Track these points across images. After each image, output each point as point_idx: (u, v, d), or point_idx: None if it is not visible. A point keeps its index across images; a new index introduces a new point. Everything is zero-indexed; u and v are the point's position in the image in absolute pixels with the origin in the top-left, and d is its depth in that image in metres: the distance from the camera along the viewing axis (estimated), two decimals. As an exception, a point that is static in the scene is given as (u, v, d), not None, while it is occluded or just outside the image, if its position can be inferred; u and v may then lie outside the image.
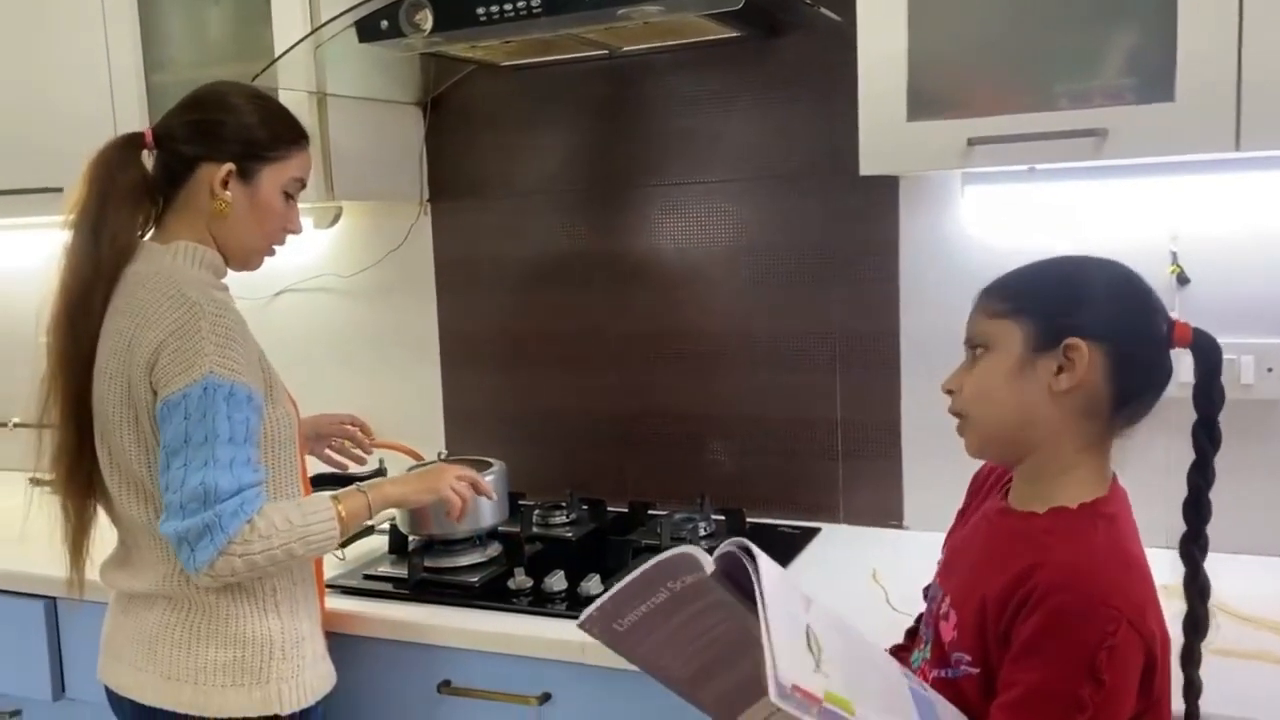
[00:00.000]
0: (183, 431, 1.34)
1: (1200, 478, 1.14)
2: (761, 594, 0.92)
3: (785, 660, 0.89)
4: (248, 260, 1.55)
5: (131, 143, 1.49)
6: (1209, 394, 1.13)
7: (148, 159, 1.50)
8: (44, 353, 1.49)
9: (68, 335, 1.46)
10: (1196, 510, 1.14)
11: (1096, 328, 1.08)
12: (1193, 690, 1.16)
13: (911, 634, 1.34)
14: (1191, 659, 1.16)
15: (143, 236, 1.50)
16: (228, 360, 1.37)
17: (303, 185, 1.55)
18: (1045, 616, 1.01)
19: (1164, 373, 1.11)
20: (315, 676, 1.52)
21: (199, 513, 1.33)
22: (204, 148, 1.46)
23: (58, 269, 1.47)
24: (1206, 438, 1.13)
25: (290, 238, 1.58)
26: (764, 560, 0.95)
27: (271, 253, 1.57)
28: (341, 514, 1.46)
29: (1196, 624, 1.14)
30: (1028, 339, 1.10)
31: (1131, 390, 1.10)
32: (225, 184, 1.46)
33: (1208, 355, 1.12)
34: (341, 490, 1.52)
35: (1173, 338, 1.10)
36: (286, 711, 1.46)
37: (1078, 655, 0.99)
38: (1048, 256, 1.16)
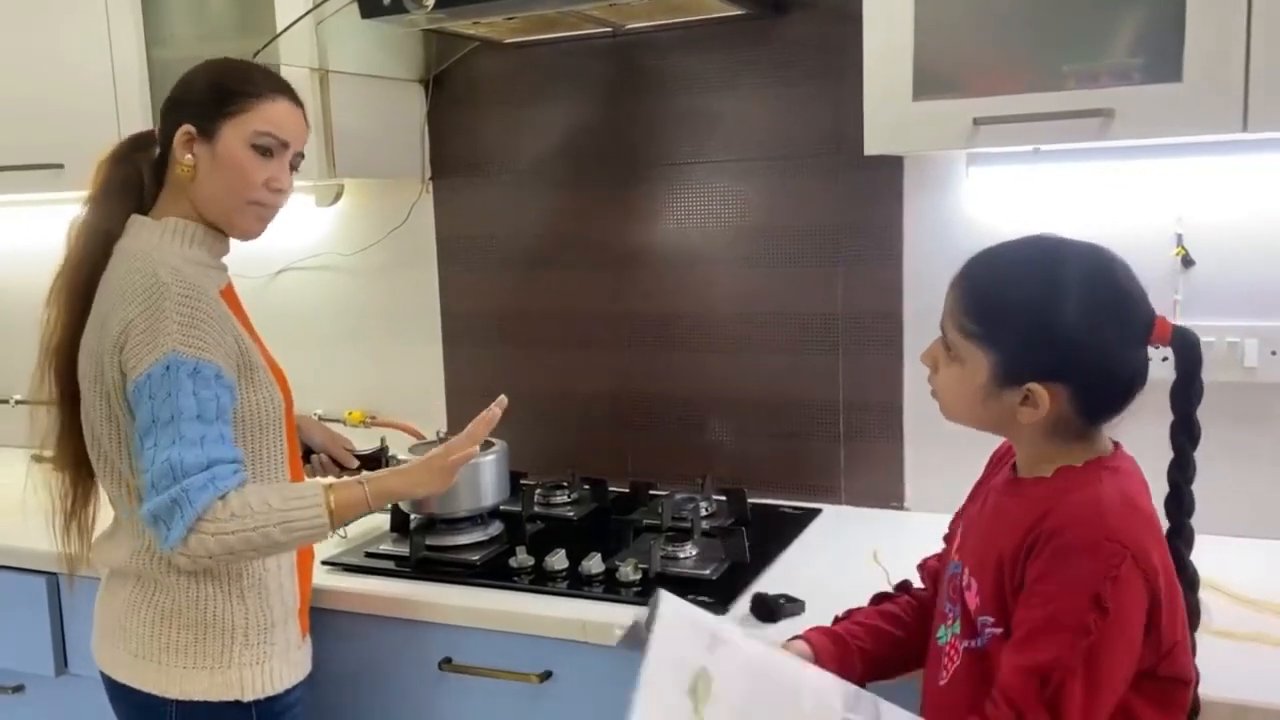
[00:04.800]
0: (149, 412, 1.33)
1: (1180, 475, 1.15)
2: (646, 646, 0.96)
3: (648, 712, 0.93)
4: (232, 222, 1.48)
5: (137, 141, 1.51)
6: (1187, 393, 1.12)
7: (153, 151, 1.50)
8: (43, 327, 1.49)
9: (63, 310, 1.47)
10: (1178, 505, 1.15)
11: (1062, 368, 1.07)
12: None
13: (881, 598, 1.36)
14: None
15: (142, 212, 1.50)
16: (192, 339, 1.35)
17: (275, 139, 1.46)
18: (1052, 553, 1.04)
19: (1138, 379, 1.10)
20: (285, 665, 1.51)
21: (168, 489, 1.31)
22: (170, 121, 1.46)
23: (65, 245, 1.47)
24: (1185, 435, 1.14)
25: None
26: (668, 604, 0.98)
27: (260, 214, 1.49)
28: (331, 504, 1.39)
29: (1189, 615, 1.14)
30: (993, 372, 1.10)
31: (1100, 410, 1.11)
32: (189, 148, 1.44)
33: (1187, 354, 1.11)
34: (339, 480, 1.49)
35: (1151, 335, 1.09)
36: (249, 698, 1.46)
37: (1082, 586, 1.01)
38: (1025, 250, 1.13)
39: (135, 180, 1.49)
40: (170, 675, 1.44)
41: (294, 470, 1.56)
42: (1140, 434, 1.15)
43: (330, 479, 1.48)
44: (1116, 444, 1.15)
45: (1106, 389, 1.09)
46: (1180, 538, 1.15)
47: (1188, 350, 1.11)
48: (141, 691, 1.46)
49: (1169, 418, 1.15)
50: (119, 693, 1.49)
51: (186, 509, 1.30)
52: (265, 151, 1.45)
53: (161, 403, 1.33)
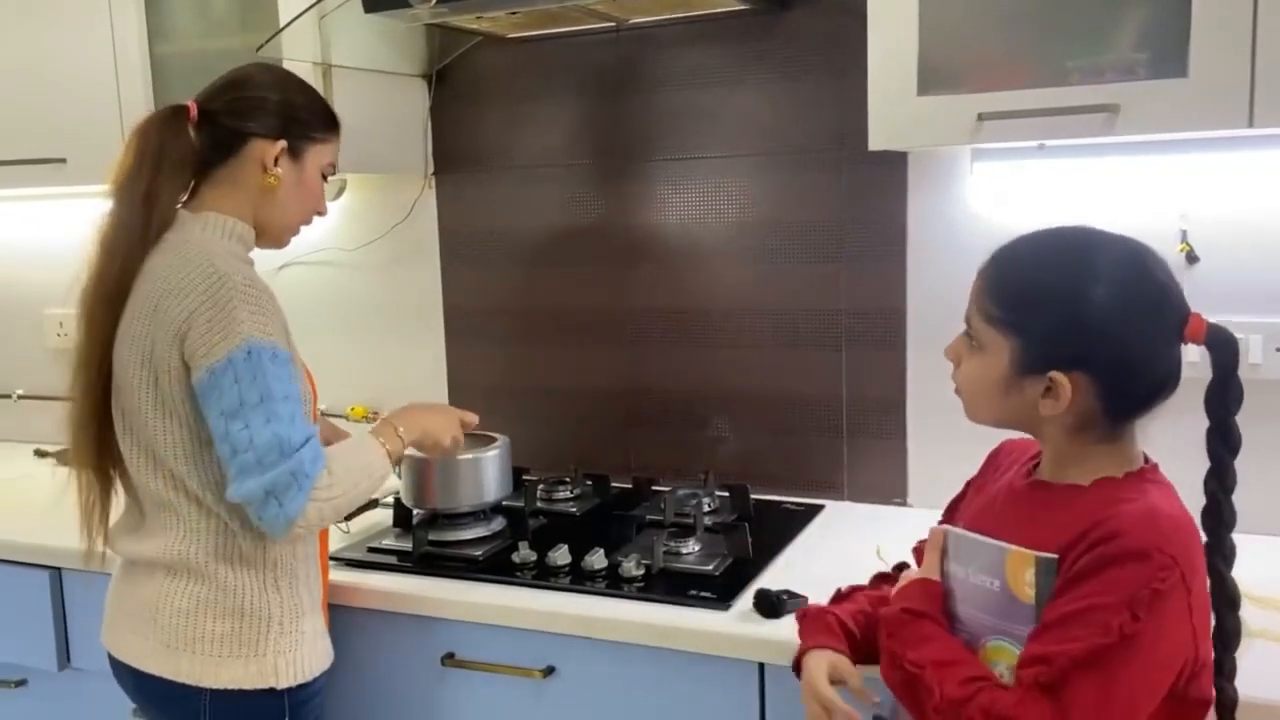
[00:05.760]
0: (236, 395, 1.36)
1: (1218, 485, 1.08)
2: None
3: None
4: (282, 237, 1.58)
5: (177, 114, 1.50)
6: (1223, 397, 1.06)
7: (191, 132, 1.50)
8: (75, 322, 1.49)
9: (103, 302, 1.46)
10: (1217, 518, 1.08)
11: (1087, 359, 1.04)
12: (1225, 704, 1.10)
13: (880, 579, 1.36)
14: (1223, 672, 1.10)
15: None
16: (263, 326, 1.39)
17: (334, 171, 1.60)
18: (1102, 552, 0.99)
19: (1169, 378, 1.06)
20: (313, 653, 1.52)
21: (279, 464, 1.35)
22: (256, 124, 1.49)
23: (98, 238, 1.46)
24: (1222, 443, 1.08)
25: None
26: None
27: (298, 232, 1.61)
28: (391, 454, 1.51)
29: (1226, 637, 1.10)
30: (1015, 359, 1.07)
31: (1128, 408, 1.07)
32: (277, 160, 1.50)
33: (1223, 354, 1.06)
34: (375, 428, 1.55)
35: (1184, 334, 1.05)
36: (283, 685, 1.47)
37: (1122, 590, 0.97)
38: (1058, 238, 1.10)
39: (190, 158, 1.49)
40: (205, 665, 1.45)
41: None
42: (1173, 438, 1.11)
43: (369, 430, 1.55)
44: (1149, 460, 1.11)
45: (1133, 384, 1.05)
46: (1219, 554, 1.08)
47: (1223, 349, 1.05)
48: (174, 682, 1.46)
49: (1201, 421, 1.10)
50: (147, 684, 1.49)
51: (304, 481, 1.36)
52: (325, 180, 1.59)
53: (249, 385, 1.36)
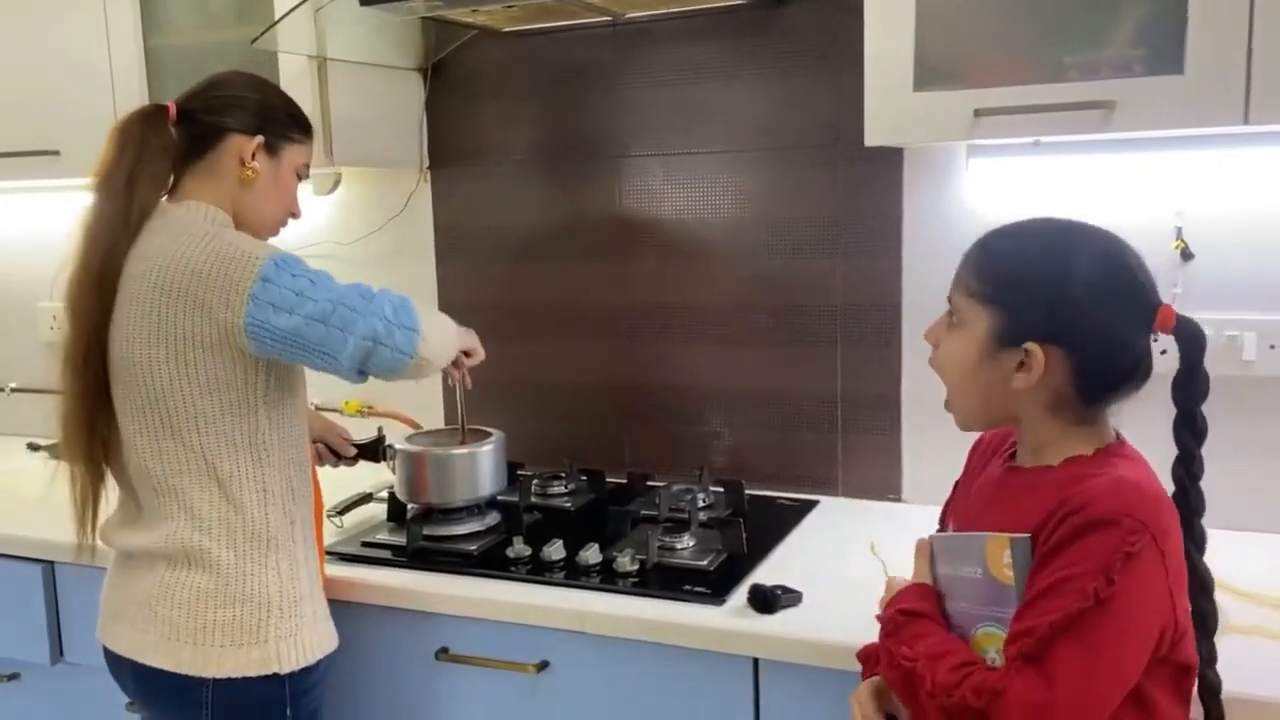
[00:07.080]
0: (291, 292, 1.40)
1: (1185, 473, 1.12)
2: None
3: None
4: (259, 234, 1.59)
5: (157, 112, 1.52)
6: (1188, 387, 1.10)
7: (171, 129, 1.52)
8: (74, 316, 1.48)
9: (90, 293, 1.46)
10: (1186, 505, 1.11)
11: (1062, 333, 1.06)
12: (1207, 686, 1.13)
13: None
14: (1203, 658, 1.12)
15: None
16: (268, 248, 1.44)
17: (309, 172, 1.64)
18: (1071, 528, 1.01)
19: (1139, 365, 1.09)
20: (315, 636, 1.53)
21: (372, 299, 1.45)
22: (234, 120, 1.53)
23: (81, 229, 1.47)
24: (1189, 432, 1.11)
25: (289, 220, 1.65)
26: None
27: (276, 232, 1.62)
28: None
29: (1204, 620, 1.12)
30: (992, 331, 1.10)
31: (1100, 390, 1.10)
32: (254, 155, 1.52)
33: (1191, 345, 1.09)
34: None
35: (1155, 322, 1.08)
36: (286, 670, 1.47)
37: (1095, 557, 0.99)
38: (1041, 224, 1.14)
39: (170, 150, 1.51)
40: (207, 655, 1.45)
41: (307, 444, 1.61)
42: (1150, 434, 1.13)
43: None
44: (1119, 436, 1.14)
45: (1104, 364, 1.08)
46: (1190, 539, 1.10)
47: (1192, 341, 1.09)
48: (175, 674, 1.46)
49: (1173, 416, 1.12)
50: (147, 676, 1.49)
51: (401, 300, 1.48)
52: (299, 180, 1.63)
53: (295, 280, 1.42)
